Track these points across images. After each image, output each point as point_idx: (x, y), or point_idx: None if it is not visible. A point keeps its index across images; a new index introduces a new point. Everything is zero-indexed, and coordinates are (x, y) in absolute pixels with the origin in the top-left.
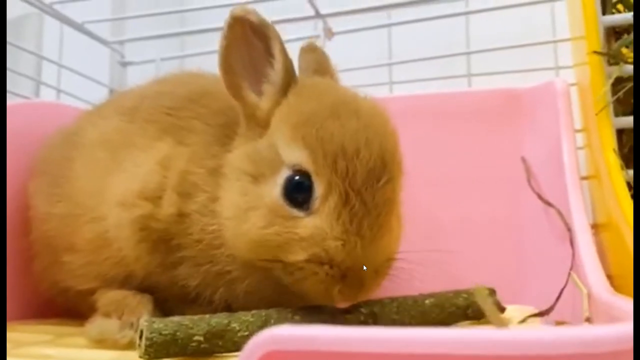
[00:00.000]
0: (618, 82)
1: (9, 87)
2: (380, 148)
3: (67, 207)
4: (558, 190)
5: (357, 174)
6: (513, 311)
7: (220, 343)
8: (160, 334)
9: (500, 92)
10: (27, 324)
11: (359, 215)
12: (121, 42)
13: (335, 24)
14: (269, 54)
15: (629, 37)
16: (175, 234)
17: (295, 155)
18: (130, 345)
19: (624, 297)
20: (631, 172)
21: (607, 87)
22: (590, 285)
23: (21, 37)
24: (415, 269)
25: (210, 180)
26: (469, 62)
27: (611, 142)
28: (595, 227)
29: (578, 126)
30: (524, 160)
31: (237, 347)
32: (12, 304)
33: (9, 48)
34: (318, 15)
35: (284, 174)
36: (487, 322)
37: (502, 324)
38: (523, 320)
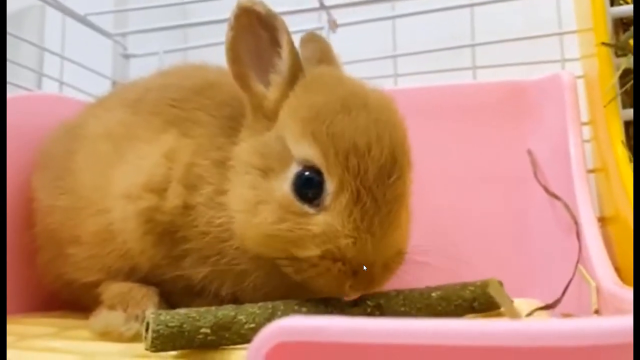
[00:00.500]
0: (626, 74)
1: (11, 79)
2: (390, 143)
3: (71, 200)
4: (564, 183)
5: (368, 171)
6: (520, 304)
7: (227, 335)
8: (167, 326)
9: (506, 85)
10: (32, 317)
11: (370, 213)
12: (124, 35)
13: (340, 16)
14: (275, 44)
15: None
16: (181, 226)
17: (305, 151)
18: (135, 338)
19: (632, 290)
20: None
21: (615, 79)
22: (598, 278)
23: (23, 29)
24: (421, 263)
25: (215, 172)
26: (474, 55)
27: (619, 134)
28: (602, 220)
29: (584, 119)
30: (530, 153)
31: (243, 339)
32: (16, 297)
33: (10, 40)
34: (322, 7)
35: (294, 169)
36: (494, 315)
37: (516, 315)
38: (530, 314)
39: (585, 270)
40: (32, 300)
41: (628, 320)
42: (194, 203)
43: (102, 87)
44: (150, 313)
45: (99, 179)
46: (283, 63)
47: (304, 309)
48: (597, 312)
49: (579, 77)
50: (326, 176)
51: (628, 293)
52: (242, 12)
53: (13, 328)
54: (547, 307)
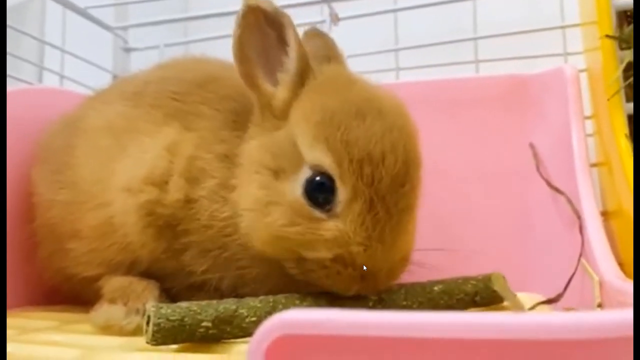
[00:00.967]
0: (629, 67)
1: (11, 72)
2: (404, 153)
3: (71, 194)
4: (567, 177)
5: (382, 181)
6: (522, 298)
7: (228, 329)
8: (168, 319)
9: (508, 78)
10: (33, 311)
11: (382, 222)
12: (124, 28)
13: (341, 9)
14: (283, 42)
15: None
16: (182, 219)
17: (318, 157)
18: (136, 332)
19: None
20: None
21: (619, 72)
22: (601, 272)
23: (23, 22)
24: (423, 258)
25: (219, 166)
26: (476, 48)
27: (623, 127)
28: (604, 214)
29: (587, 113)
30: (532, 146)
31: (245, 332)
32: (17, 291)
33: (11, 33)
34: (324, 0)
35: (305, 173)
36: (495, 309)
37: (520, 308)
38: (532, 308)
39: (588, 264)
40: (33, 295)
41: (629, 314)
42: (196, 197)
43: (102, 81)
44: (151, 306)
45: (99, 172)
46: (291, 61)
47: (305, 303)
48: (600, 306)
49: (582, 70)
50: (339, 183)
51: (631, 287)
52: (249, 10)
53: (14, 322)
54: (549, 302)
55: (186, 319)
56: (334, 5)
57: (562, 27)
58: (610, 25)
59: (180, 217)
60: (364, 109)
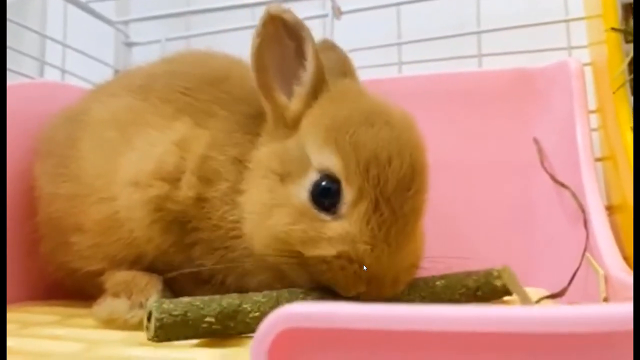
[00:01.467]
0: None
1: (13, 67)
2: (411, 158)
3: (74, 187)
4: (571, 172)
5: (388, 182)
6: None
7: (232, 324)
8: (171, 314)
9: (512, 72)
10: (35, 305)
11: (388, 223)
12: (126, 22)
13: (344, 3)
14: (301, 54)
15: None
16: (193, 217)
17: (325, 160)
18: (139, 326)
19: None
20: None
21: (625, 65)
22: (606, 266)
23: (25, 16)
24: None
25: (232, 169)
26: (479, 42)
27: (628, 120)
28: (609, 208)
29: (592, 107)
30: (536, 141)
31: (248, 328)
32: (19, 286)
33: (13, 27)
34: None
35: (312, 177)
36: (497, 303)
37: (529, 301)
38: (537, 302)
39: (593, 258)
40: (35, 289)
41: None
42: (208, 196)
43: (104, 75)
44: (152, 302)
45: (103, 165)
46: (307, 75)
47: (309, 298)
48: (606, 300)
49: (587, 64)
50: (344, 185)
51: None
52: (270, 19)
53: (16, 316)
54: (553, 296)
55: (189, 314)
56: None
57: (566, 21)
58: (615, 18)
59: (191, 215)
60: (372, 117)
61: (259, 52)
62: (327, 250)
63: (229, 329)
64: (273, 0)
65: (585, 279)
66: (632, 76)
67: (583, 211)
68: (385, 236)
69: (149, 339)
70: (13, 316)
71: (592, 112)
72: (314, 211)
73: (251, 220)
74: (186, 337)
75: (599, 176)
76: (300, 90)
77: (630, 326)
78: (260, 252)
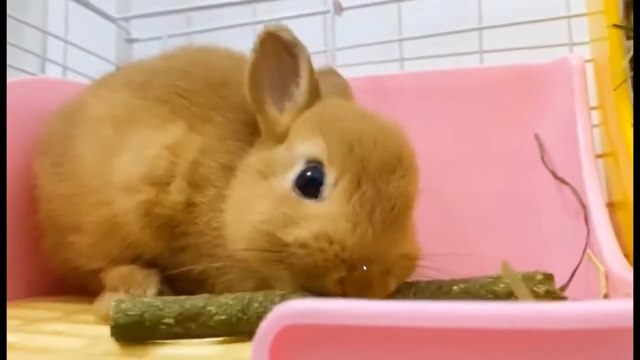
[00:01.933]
0: None
1: (14, 63)
2: (396, 145)
3: (71, 186)
4: (572, 168)
5: (371, 161)
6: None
7: (193, 327)
8: (126, 314)
9: (513, 69)
10: (38, 302)
11: (371, 202)
12: (127, 19)
13: None
14: (295, 73)
15: None
16: (182, 221)
17: (310, 148)
18: None
19: None
20: None
21: (626, 62)
22: (607, 263)
23: (26, 12)
24: (425, 248)
25: (221, 176)
26: (480, 39)
27: (629, 117)
28: (610, 205)
29: (593, 103)
30: (537, 137)
31: (212, 331)
32: (21, 282)
33: (14, 24)
34: None
35: (297, 168)
36: None
37: (529, 298)
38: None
39: (594, 255)
40: (38, 286)
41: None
42: (197, 202)
43: (105, 72)
44: (113, 300)
45: (99, 165)
46: (300, 93)
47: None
48: (606, 296)
49: (588, 61)
50: (327, 168)
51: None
52: (268, 36)
53: (18, 312)
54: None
55: (146, 315)
56: None
57: (568, 17)
58: (617, 14)
59: (179, 219)
60: (360, 115)
61: (255, 69)
62: (305, 232)
63: (191, 331)
64: None
65: (587, 276)
66: (632, 73)
67: (584, 208)
68: (369, 215)
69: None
70: (16, 312)
71: (593, 108)
72: (297, 197)
73: (231, 220)
74: (146, 339)
75: (600, 173)
76: (292, 106)
77: (630, 323)
78: (241, 251)
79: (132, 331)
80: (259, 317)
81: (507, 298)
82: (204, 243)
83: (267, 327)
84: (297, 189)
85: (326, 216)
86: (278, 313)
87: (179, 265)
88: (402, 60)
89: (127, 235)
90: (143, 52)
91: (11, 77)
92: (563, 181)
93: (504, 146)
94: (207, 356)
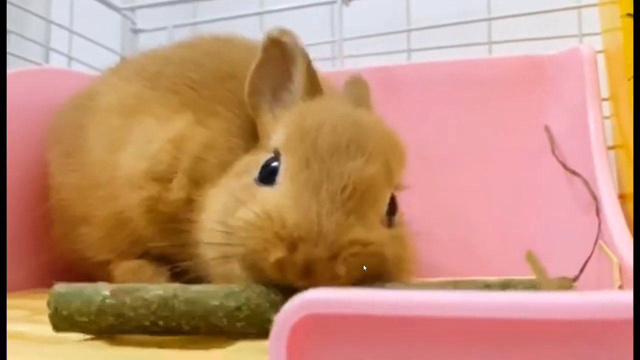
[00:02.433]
0: None
1: (18, 52)
2: (359, 132)
3: (81, 177)
4: (583, 160)
5: (323, 143)
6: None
7: (128, 300)
8: (68, 285)
9: (523, 59)
10: (45, 292)
11: (318, 180)
12: (132, 9)
13: None
14: (290, 78)
15: None
16: (183, 218)
17: (275, 140)
18: None
19: None
20: None
21: None
22: (620, 254)
23: (30, 1)
24: (436, 242)
25: (219, 174)
26: (489, 29)
27: None
28: (621, 197)
29: (604, 95)
30: (547, 129)
31: (149, 306)
32: (30, 273)
33: (18, 13)
34: None
35: (264, 159)
36: None
37: (552, 286)
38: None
39: (606, 246)
40: (45, 275)
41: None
42: (195, 199)
43: (110, 62)
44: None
45: (107, 158)
46: (292, 97)
47: (243, 295)
48: (621, 287)
49: (599, 51)
50: (283, 156)
51: None
52: (271, 43)
53: (25, 303)
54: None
55: (86, 289)
56: None
57: (578, 8)
58: (631, 3)
59: (181, 217)
60: (331, 110)
61: (256, 76)
62: (248, 213)
63: (125, 304)
64: None
65: (599, 267)
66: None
67: (595, 199)
68: (314, 193)
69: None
70: (24, 303)
71: (604, 100)
72: (255, 186)
73: (202, 218)
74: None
75: (611, 164)
76: (284, 114)
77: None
78: (205, 249)
79: (69, 298)
80: (188, 300)
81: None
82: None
83: (285, 316)
84: (258, 181)
85: (272, 197)
86: (297, 302)
87: (186, 261)
88: (409, 51)
89: (134, 230)
90: (149, 42)
91: (15, 66)
92: (574, 172)
93: (513, 137)
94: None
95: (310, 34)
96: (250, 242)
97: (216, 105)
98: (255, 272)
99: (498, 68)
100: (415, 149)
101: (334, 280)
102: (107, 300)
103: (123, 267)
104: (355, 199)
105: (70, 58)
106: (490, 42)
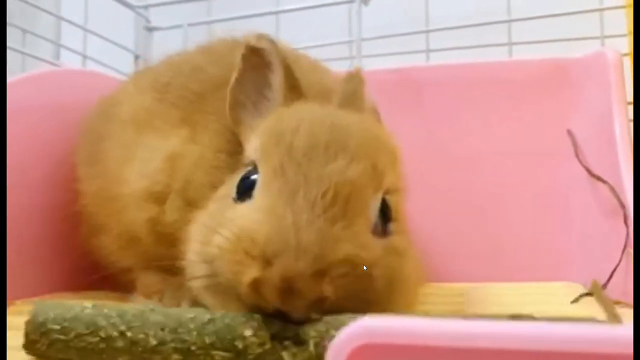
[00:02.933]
0: None
1: (29, 50)
2: (339, 131)
3: (100, 187)
4: (607, 165)
5: (300, 146)
6: (560, 288)
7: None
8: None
9: (546, 62)
10: (70, 297)
11: (293, 187)
12: (146, 7)
13: None
14: (269, 85)
15: None
16: (181, 239)
17: (252, 150)
18: None
19: None
20: None
21: None
22: None
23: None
24: (458, 247)
25: (208, 195)
26: (510, 30)
27: None
28: None
29: (629, 98)
30: (570, 133)
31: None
32: (54, 277)
33: (29, 9)
34: None
35: (241, 174)
36: None
37: (618, 320)
38: (576, 300)
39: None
40: (73, 281)
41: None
42: (189, 219)
43: (124, 61)
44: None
45: (118, 172)
46: (270, 105)
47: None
48: None
49: (625, 54)
50: (259, 167)
51: None
52: (250, 52)
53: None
54: (591, 294)
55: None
56: None
57: (600, 10)
58: None
59: (178, 237)
60: (310, 112)
61: (237, 88)
62: (224, 231)
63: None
64: None
65: (625, 276)
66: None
67: (623, 206)
68: (289, 200)
69: None
70: None
71: (630, 103)
72: (234, 206)
73: (186, 249)
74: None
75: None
76: (261, 123)
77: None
78: (191, 283)
79: (51, 307)
80: (164, 312)
81: None
82: None
83: (340, 344)
84: (236, 199)
85: (245, 214)
86: (354, 329)
87: None
88: (428, 51)
89: (146, 246)
90: (163, 40)
91: (26, 63)
92: (599, 179)
93: (535, 141)
94: None
95: (328, 33)
96: (225, 269)
97: (209, 117)
98: (239, 301)
99: (522, 71)
100: (438, 153)
101: (320, 302)
102: (87, 310)
103: (147, 280)
104: (339, 205)
105: (85, 57)
106: (510, 43)
